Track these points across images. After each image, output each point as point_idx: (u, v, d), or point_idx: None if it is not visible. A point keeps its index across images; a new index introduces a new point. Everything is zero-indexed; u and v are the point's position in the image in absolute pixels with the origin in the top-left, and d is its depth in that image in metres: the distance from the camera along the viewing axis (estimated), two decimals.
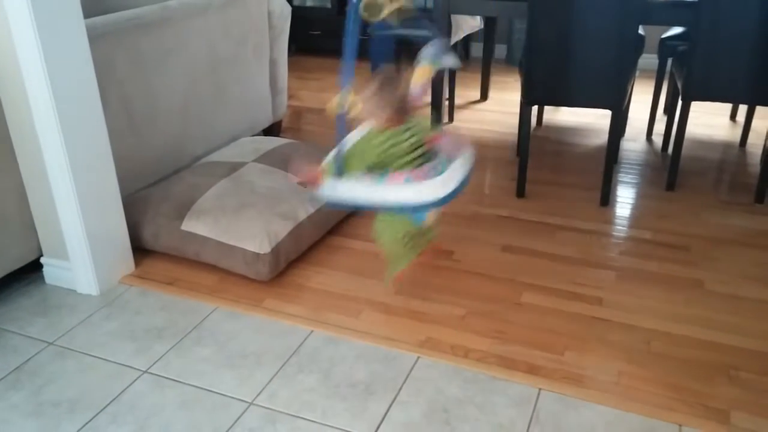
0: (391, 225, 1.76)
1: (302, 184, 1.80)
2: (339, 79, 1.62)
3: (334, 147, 1.68)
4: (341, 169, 1.65)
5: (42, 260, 2.00)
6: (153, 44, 2.29)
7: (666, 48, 3.03)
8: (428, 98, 1.67)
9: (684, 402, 1.52)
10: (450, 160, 1.62)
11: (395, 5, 1.64)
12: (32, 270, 2.01)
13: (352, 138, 1.74)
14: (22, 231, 1.92)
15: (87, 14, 1.82)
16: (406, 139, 1.64)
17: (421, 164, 1.63)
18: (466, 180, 1.62)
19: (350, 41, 1.50)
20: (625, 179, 2.74)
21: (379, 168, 1.64)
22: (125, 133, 2.21)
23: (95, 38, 1.86)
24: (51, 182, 1.83)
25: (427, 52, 1.62)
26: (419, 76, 1.60)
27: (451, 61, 1.62)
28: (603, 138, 3.09)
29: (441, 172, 1.58)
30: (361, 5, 1.62)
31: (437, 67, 1.63)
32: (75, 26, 1.74)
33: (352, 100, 1.58)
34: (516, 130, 2.94)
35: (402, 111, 1.65)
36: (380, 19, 1.71)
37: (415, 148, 1.64)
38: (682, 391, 1.55)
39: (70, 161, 1.78)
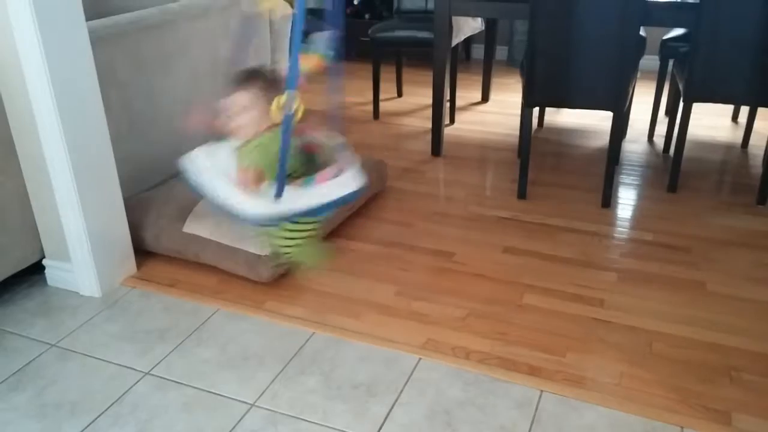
0: (293, 236, 1.57)
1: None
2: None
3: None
4: (282, 181, 1.46)
5: (44, 262, 2.01)
6: (154, 47, 2.30)
7: (667, 49, 3.03)
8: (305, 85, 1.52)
9: (685, 403, 1.52)
10: (334, 149, 1.55)
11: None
12: (34, 272, 2.02)
13: (229, 150, 1.55)
14: (24, 233, 1.93)
15: (88, 17, 1.82)
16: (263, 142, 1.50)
17: (319, 162, 1.53)
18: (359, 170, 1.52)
19: (296, 40, 1.44)
20: (626, 181, 2.74)
21: (297, 173, 1.51)
22: (127, 135, 2.22)
23: (97, 41, 1.86)
24: (53, 184, 1.83)
25: (318, 40, 1.53)
26: (309, 65, 1.50)
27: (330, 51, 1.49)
28: (604, 140, 3.10)
29: (347, 165, 1.49)
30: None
31: (327, 59, 1.52)
32: (77, 30, 1.75)
33: (299, 101, 1.46)
34: (517, 132, 2.94)
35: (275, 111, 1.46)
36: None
37: (270, 152, 1.47)
38: (683, 392, 1.55)
39: (72, 164, 1.78)
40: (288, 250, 1.62)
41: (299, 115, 1.44)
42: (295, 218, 1.48)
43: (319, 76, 1.56)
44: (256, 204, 1.45)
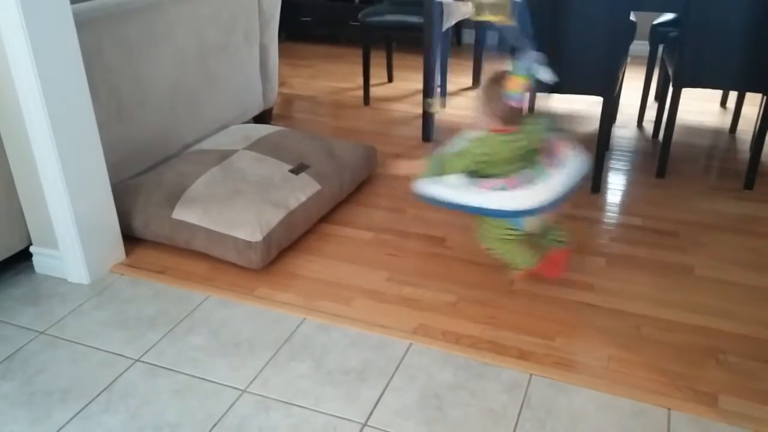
0: (491, 226, 1.80)
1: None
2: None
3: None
4: (440, 168, 1.72)
5: (31, 249, 1.99)
6: (141, 31, 2.27)
7: (657, 34, 3.03)
8: (525, 109, 1.71)
9: (673, 386, 1.54)
10: (552, 169, 1.67)
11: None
12: (22, 259, 2.00)
13: (458, 140, 1.79)
14: (11, 220, 1.91)
15: (73, 0, 1.80)
16: (517, 145, 1.68)
17: (522, 170, 1.68)
18: (569, 191, 1.66)
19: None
20: (615, 166, 2.75)
21: (481, 171, 1.70)
22: (114, 120, 2.19)
23: (82, 24, 1.83)
24: (39, 170, 1.81)
25: (522, 61, 1.63)
26: (514, 87, 1.62)
27: (547, 75, 1.63)
28: (594, 125, 3.10)
29: (535, 182, 1.64)
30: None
31: (532, 79, 1.64)
32: (62, 13, 1.72)
33: (438, 101, 1.69)
34: None
35: (512, 117, 1.68)
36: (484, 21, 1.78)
37: (523, 154, 1.69)
38: (671, 375, 1.57)
39: (59, 149, 1.76)
40: (490, 243, 1.84)
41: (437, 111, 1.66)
42: (453, 208, 1.70)
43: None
44: (427, 183, 1.71)
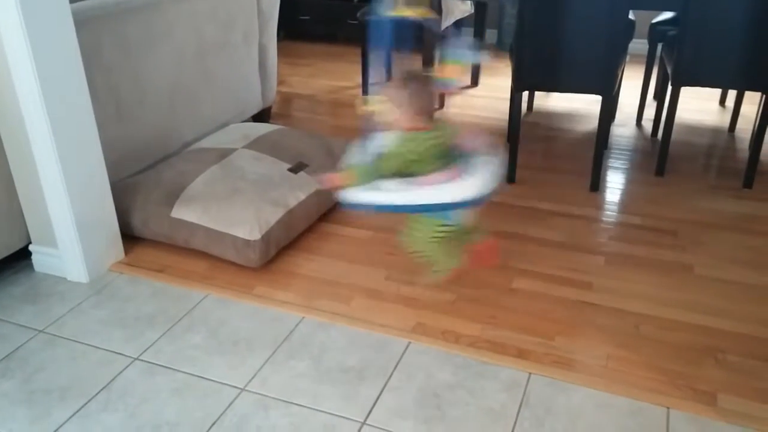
0: (422, 226, 1.74)
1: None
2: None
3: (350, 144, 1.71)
4: (370, 175, 1.63)
5: (31, 248, 1.99)
6: (140, 29, 2.26)
7: (656, 33, 3.03)
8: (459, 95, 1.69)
9: (672, 385, 1.54)
10: (477, 160, 1.64)
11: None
12: (21, 258, 2.00)
13: (380, 142, 1.72)
14: (10, 219, 1.91)
15: None
16: (434, 142, 1.63)
17: (449, 166, 1.64)
18: (495, 180, 1.64)
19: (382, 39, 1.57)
20: (614, 164, 2.75)
21: (409, 171, 1.64)
22: (113, 119, 2.19)
23: (81, 23, 1.83)
24: (39, 169, 1.81)
25: (454, 48, 1.61)
26: (450, 74, 1.60)
27: (480, 58, 1.65)
28: (593, 123, 3.10)
29: (472, 172, 1.60)
30: None
31: (467, 65, 1.64)
32: (61, 12, 1.72)
33: (382, 102, 1.59)
34: (507, 116, 2.93)
35: (429, 114, 1.65)
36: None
37: (442, 151, 1.64)
38: (670, 374, 1.57)
39: (58, 148, 1.76)
40: (419, 247, 1.76)
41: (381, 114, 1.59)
42: (393, 211, 1.63)
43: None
44: (358, 191, 1.61)
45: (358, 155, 1.70)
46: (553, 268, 2.00)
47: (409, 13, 1.71)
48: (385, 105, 1.58)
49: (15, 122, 1.77)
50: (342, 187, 1.63)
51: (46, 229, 1.91)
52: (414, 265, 2.01)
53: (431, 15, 1.71)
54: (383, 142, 1.69)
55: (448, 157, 1.65)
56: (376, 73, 1.72)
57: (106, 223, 1.99)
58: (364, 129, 1.62)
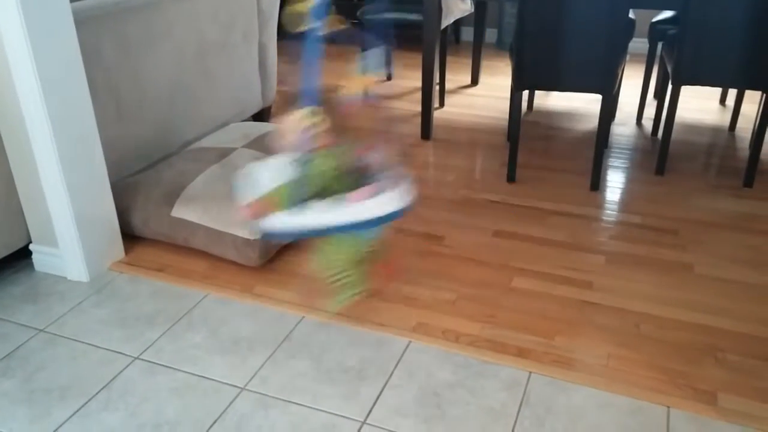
0: (338, 250, 1.59)
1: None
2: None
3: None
4: (296, 197, 1.47)
5: (31, 247, 1.99)
6: (140, 29, 2.26)
7: (656, 32, 3.03)
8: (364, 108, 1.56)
9: (672, 384, 1.54)
10: (385, 174, 1.53)
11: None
12: (21, 257, 2.00)
13: (288, 159, 1.55)
14: (10, 218, 1.91)
15: None
16: (349, 155, 1.52)
17: (366, 181, 1.52)
18: (410, 192, 1.52)
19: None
20: (615, 164, 2.75)
21: (332, 189, 1.51)
22: (113, 118, 2.19)
23: (81, 23, 1.83)
24: (39, 169, 1.81)
25: (366, 60, 1.55)
26: (363, 86, 1.52)
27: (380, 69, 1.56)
28: (593, 122, 3.10)
29: (387, 186, 1.48)
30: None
31: (375, 76, 1.54)
32: (61, 11, 1.71)
33: (317, 115, 1.46)
34: (507, 115, 2.94)
35: (339, 129, 1.54)
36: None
37: (353, 166, 1.53)
38: (670, 373, 1.57)
39: (58, 147, 1.76)
40: (333, 270, 1.61)
41: (318, 129, 1.45)
42: (320, 235, 1.49)
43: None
44: (279, 217, 1.46)
45: (272, 173, 1.56)
46: (554, 267, 2.00)
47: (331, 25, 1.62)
48: (320, 118, 1.47)
49: (15, 121, 1.77)
50: (266, 215, 1.48)
51: (47, 229, 1.91)
52: (414, 265, 2.01)
53: (343, 25, 1.63)
54: (297, 159, 1.54)
55: (360, 172, 1.55)
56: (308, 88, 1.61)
57: (107, 222, 1.99)
58: (298, 144, 1.47)
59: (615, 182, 2.61)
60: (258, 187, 1.52)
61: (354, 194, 1.48)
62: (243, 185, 1.55)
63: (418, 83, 3.11)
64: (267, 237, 1.54)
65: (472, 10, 3.64)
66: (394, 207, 1.48)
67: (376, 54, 1.54)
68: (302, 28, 1.48)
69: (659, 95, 3.00)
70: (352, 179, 1.52)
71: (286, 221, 1.47)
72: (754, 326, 1.73)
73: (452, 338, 1.69)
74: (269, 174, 1.55)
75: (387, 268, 1.70)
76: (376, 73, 1.51)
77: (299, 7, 1.50)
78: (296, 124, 1.46)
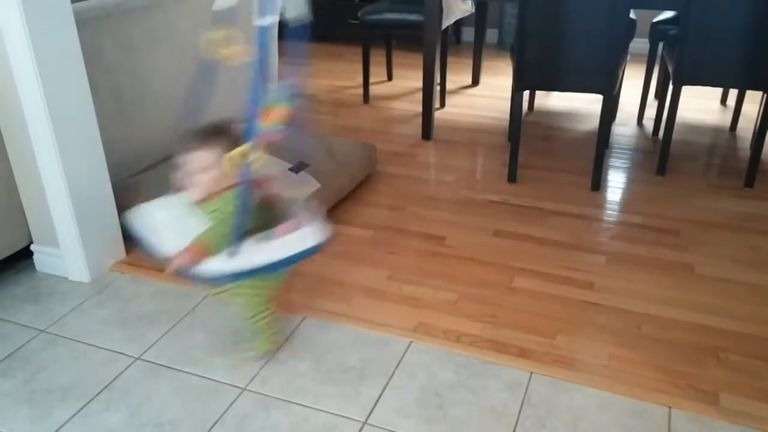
0: (255, 292, 1.54)
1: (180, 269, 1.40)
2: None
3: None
4: (229, 238, 1.39)
5: (32, 248, 1.99)
6: (141, 29, 2.26)
7: (657, 32, 3.03)
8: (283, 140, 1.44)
9: (674, 384, 1.54)
10: (299, 205, 1.48)
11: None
12: (22, 258, 2.00)
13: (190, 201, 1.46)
14: (12, 218, 1.91)
15: None
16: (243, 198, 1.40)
17: (278, 216, 1.45)
18: (322, 224, 1.45)
19: (254, 89, 1.37)
20: (616, 164, 2.75)
21: (256, 226, 1.43)
22: (114, 119, 2.19)
23: (82, 23, 1.83)
24: (40, 169, 1.81)
25: (280, 89, 1.42)
26: (278, 118, 1.39)
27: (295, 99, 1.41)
28: (594, 123, 3.10)
29: (307, 220, 1.43)
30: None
31: (292, 106, 1.41)
32: (62, 12, 1.72)
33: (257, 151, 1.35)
34: (507, 116, 2.94)
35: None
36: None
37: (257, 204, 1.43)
38: (671, 373, 1.57)
39: (60, 148, 1.76)
40: (255, 310, 1.55)
41: (256, 166, 1.36)
42: (254, 274, 1.41)
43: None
44: (212, 262, 1.38)
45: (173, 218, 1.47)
46: (555, 267, 2.00)
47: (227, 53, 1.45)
48: (261, 154, 1.37)
49: (17, 122, 1.77)
50: (199, 260, 1.37)
51: (48, 229, 1.91)
52: (415, 265, 2.01)
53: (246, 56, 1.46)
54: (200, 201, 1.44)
55: (269, 207, 1.47)
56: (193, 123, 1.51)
57: (108, 222, 1.99)
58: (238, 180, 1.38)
59: (616, 182, 2.61)
60: (181, 232, 1.42)
61: (278, 229, 1.41)
62: (154, 231, 1.47)
63: (419, 83, 3.11)
64: (203, 281, 1.41)
65: (473, 11, 3.64)
66: (313, 242, 1.42)
67: (282, 85, 1.40)
68: (215, 57, 1.43)
69: (660, 95, 3.00)
70: (266, 215, 1.45)
71: (222, 265, 1.39)
72: (755, 326, 1.73)
73: (453, 338, 1.69)
74: (172, 218, 1.47)
75: (286, 303, 1.67)
76: (291, 104, 1.38)
77: (216, 36, 1.41)
78: (218, 161, 1.37)
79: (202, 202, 1.44)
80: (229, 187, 1.42)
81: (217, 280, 1.42)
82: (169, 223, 1.48)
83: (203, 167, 1.40)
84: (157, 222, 1.49)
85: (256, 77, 1.37)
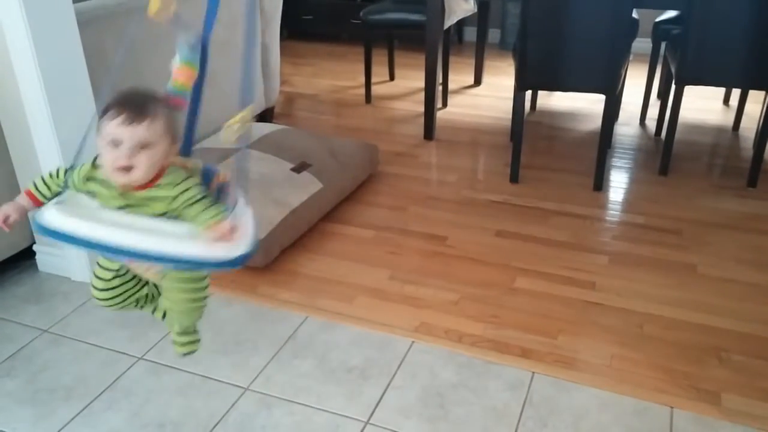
0: (182, 288, 1.27)
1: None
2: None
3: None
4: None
5: (35, 248, 1.99)
6: (143, 29, 2.26)
7: (660, 32, 3.02)
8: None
9: (675, 384, 1.53)
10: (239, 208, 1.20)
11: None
12: (25, 258, 2.00)
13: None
14: None
15: None
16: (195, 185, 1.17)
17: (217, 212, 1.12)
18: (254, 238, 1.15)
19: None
20: (618, 164, 2.75)
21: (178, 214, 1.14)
22: None
23: (84, 24, 1.83)
24: (42, 169, 1.81)
25: (182, 48, 1.27)
26: (184, 80, 1.25)
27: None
28: (596, 123, 3.09)
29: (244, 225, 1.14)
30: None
31: (194, 67, 1.27)
32: (64, 12, 1.72)
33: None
34: (510, 115, 2.93)
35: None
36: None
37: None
38: (673, 373, 1.57)
39: (62, 148, 1.76)
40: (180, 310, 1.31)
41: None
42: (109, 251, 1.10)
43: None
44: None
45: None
46: (557, 267, 2.00)
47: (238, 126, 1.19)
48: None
49: (19, 122, 1.77)
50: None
51: None
52: (417, 265, 2.01)
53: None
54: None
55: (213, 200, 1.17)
56: None
57: None
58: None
59: (618, 182, 2.60)
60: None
61: (214, 227, 1.09)
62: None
63: (421, 83, 3.11)
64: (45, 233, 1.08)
65: (475, 10, 3.64)
66: (239, 252, 1.10)
67: (184, 39, 1.23)
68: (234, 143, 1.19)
69: (663, 95, 2.99)
70: (203, 207, 1.13)
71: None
72: (757, 326, 1.73)
73: (455, 338, 1.69)
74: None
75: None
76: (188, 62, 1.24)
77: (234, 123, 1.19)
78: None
79: (138, 188, 1.10)
80: (179, 165, 1.19)
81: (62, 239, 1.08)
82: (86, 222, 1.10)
83: (143, 143, 1.07)
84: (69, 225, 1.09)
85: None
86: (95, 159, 1.13)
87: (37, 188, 1.16)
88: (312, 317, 1.78)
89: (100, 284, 1.32)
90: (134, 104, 1.13)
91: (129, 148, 1.06)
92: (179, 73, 1.25)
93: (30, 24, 1.61)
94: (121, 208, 1.12)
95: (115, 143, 1.07)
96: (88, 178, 1.13)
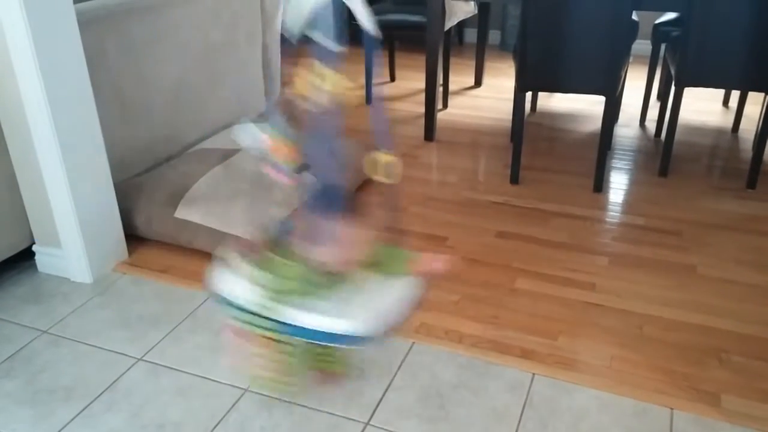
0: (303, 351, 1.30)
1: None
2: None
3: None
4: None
5: (34, 248, 1.99)
6: (144, 30, 2.27)
7: (659, 34, 3.03)
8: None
9: (675, 385, 1.53)
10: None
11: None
12: (24, 258, 2.00)
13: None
14: (14, 219, 1.91)
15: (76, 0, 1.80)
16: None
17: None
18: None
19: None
20: (618, 165, 2.75)
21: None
22: (117, 120, 2.19)
23: (85, 24, 1.84)
24: (42, 170, 1.81)
25: (272, 121, 1.24)
26: (282, 155, 1.25)
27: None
28: (596, 124, 3.09)
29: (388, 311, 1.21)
30: None
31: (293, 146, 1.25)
32: (65, 12, 1.72)
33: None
34: (510, 117, 2.94)
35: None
36: None
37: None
38: (673, 374, 1.57)
39: (62, 148, 1.76)
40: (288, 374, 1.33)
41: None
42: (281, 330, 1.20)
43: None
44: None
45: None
46: (557, 268, 2.00)
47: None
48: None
49: (19, 123, 1.77)
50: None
51: (50, 230, 1.91)
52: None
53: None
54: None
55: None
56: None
57: (110, 223, 1.99)
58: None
59: (618, 184, 2.60)
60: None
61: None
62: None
63: (422, 85, 3.11)
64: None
65: (476, 12, 3.64)
66: (371, 331, 1.19)
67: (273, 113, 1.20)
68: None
69: (662, 97, 3.00)
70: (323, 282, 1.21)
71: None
72: (757, 327, 1.73)
73: (455, 339, 1.69)
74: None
75: (326, 377, 1.45)
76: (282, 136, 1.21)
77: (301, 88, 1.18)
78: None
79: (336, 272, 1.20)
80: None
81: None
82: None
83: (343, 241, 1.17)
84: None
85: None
86: None
87: None
88: None
89: None
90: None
91: None
92: (279, 149, 1.23)
93: (30, 24, 1.61)
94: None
95: None
96: None
